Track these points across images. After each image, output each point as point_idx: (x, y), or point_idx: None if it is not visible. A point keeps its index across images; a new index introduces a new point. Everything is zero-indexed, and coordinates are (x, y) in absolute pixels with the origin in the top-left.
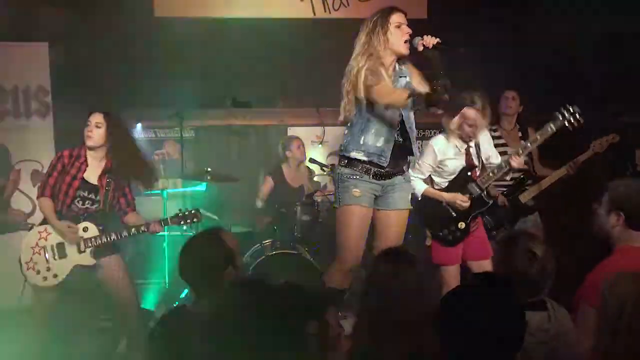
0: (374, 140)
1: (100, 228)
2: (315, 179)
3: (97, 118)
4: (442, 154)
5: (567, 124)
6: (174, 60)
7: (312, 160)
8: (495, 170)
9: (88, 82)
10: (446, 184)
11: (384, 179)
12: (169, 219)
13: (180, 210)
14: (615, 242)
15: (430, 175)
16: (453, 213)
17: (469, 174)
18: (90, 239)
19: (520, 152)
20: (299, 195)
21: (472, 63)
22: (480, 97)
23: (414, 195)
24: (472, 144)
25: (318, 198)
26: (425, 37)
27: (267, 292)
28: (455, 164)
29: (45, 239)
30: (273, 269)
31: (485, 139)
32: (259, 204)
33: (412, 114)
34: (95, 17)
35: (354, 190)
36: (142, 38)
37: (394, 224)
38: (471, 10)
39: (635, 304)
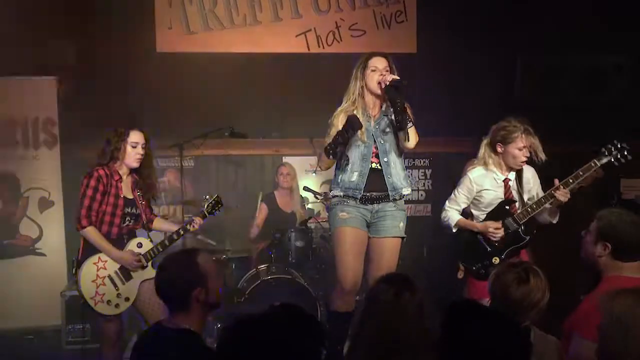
0: (349, 176)
1: (150, 240)
2: (309, 206)
3: (140, 137)
4: (479, 185)
5: (613, 160)
6: (174, 93)
7: (306, 189)
8: (534, 206)
9: (93, 114)
10: (484, 217)
11: (371, 204)
12: (205, 211)
13: (206, 199)
14: (602, 271)
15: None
16: (488, 247)
17: (507, 207)
18: (149, 251)
19: (563, 186)
20: (291, 221)
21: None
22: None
23: (447, 228)
24: (511, 176)
25: (312, 225)
26: (388, 75)
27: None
28: (493, 195)
29: (105, 268)
30: (268, 293)
31: (529, 173)
32: (255, 231)
33: (388, 143)
34: (100, 52)
35: (341, 213)
36: (144, 72)
37: (386, 251)
38: (458, 42)
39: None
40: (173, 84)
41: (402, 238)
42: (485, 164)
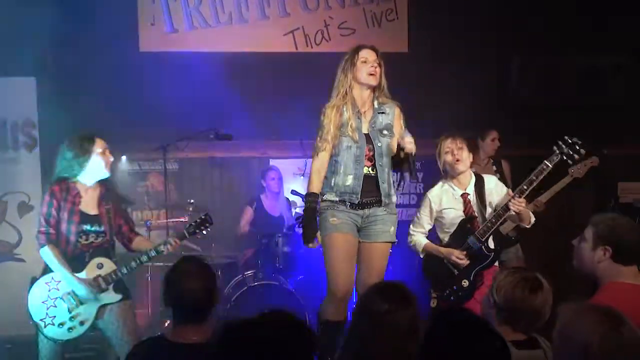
0: (343, 179)
1: (115, 260)
2: (297, 210)
3: (103, 143)
4: (437, 204)
5: (565, 158)
6: (158, 94)
7: (293, 192)
8: (494, 219)
9: (74, 116)
10: (447, 239)
11: (362, 209)
12: (185, 232)
13: (192, 220)
14: (601, 278)
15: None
16: (455, 271)
17: (469, 225)
18: (110, 274)
19: (517, 196)
20: (279, 224)
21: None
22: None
23: (415, 252)
24: (470, 190)
25: (300, 229)
26: (407, 139)
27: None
28: (453, 214)
29: (57, 289)
30: (255, 299)
31: (492, 183)
32: (240, 231)
33: (387, 146)
34: (81, 52)
35: (332, 219)
36: (126, 72)
37: (376, 257)
38: (451, 41)
39: (602, 344)
40: (156, 84)
41: (393, 243)
42: (443, 179)
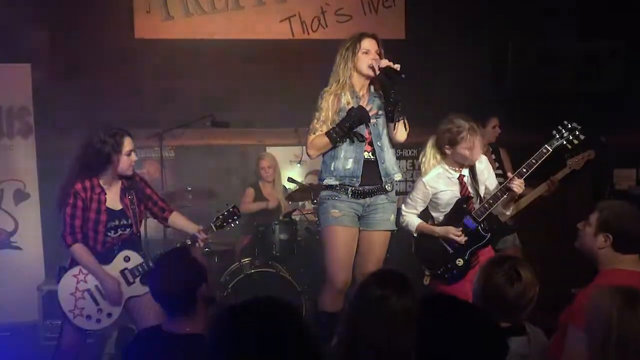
0: (344, 163)
1: (142, 253)
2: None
3: (131, 143)
4: (433, 188)
5: (565, 142)
6: (154, 81)
7: (290, 180)
8: (491, 201)
9: (69, 103)
10: (442, 218)
11: (363, 198)
12: (213, 226)
13: (219, 212)
14: (601, 264)
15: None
16: (450, 249)
17: (465, 205)
18: (137, 267)
19: (517, 177)
20: (276, 213)
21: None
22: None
23: (408, 231)
24: (465, 172)
25: (296, 217)
26: (382, 60)
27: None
28: (450, 195)
29: (85, 281)
30: (251, 287)
31: (482, 164)
32: (246, 209)
33: (384, 130)
34: (76, 38)
35: (333, 210)
36: (122, 59)
37: (376, 245)
38: (448, 28)
39: (620, 318)
40: (152, 71)
41: (392, 231)
42: (439, 162)
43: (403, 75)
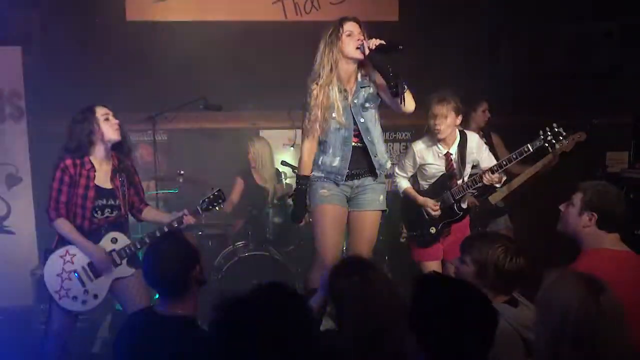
0: (331, 160)
1: (129, 234)
2: (287, 181)
3: (105, 109)
4: (421, 158)
5: (546, 145)
6: (146, 64)
7: (283, 163)
8: (469, 183)
9: (60, 86)
10: (427, 187)
11: (351, 180)
12: (199, 208)
13: (204, 195)
14: (584, 243)
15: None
16: (426, 216)
17: (448, 182)
18: (124, 249)
19: (495, 169)
20: (268, 196)
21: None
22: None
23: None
24: (453, 150)
25: (290, 200)
26: (370, 40)
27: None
28: (435, 169)
29: (72, 262)
30: (245, 270)
31: (474, 142)
32: (228, 207)
33: (371, 118)
34: (68, 21)
35: (322, 190)
36: (114, 42)
37: (367, 225)
38: (442, 9)
39: (580, 311)
40: (144, 54)
41: (383, 211)
42: (428, 137)
43: (400, 47)
